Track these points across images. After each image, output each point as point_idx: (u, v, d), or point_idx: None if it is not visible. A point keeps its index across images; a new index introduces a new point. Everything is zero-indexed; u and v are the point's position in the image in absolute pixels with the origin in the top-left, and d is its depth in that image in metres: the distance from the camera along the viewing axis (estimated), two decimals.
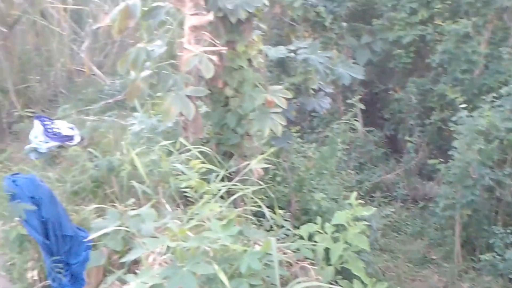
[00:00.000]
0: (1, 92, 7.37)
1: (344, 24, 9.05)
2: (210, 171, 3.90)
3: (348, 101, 8.19)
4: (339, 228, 3.33)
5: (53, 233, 3.20)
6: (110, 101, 7.92)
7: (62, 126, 4.96)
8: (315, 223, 3.41)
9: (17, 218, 3.19)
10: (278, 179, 6.00)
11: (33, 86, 8.31)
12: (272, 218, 3.74)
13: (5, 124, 7.41)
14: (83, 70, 9.17)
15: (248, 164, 4.64)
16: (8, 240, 3.25)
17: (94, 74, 9.01)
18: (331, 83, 6.11)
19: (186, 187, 3.48)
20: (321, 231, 3.33)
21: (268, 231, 3.64)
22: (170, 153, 4.38)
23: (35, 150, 4.78)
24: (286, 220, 4.01)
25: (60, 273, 3.13)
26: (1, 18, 7.41)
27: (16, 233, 3.16)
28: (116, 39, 8.76)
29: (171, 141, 4.51)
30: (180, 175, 3.95)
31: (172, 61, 4.91)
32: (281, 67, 6.29)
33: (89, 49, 9.03)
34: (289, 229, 3.68)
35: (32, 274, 3.21)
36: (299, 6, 8.58)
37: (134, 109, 6.22)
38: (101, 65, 9.63)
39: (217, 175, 3.91)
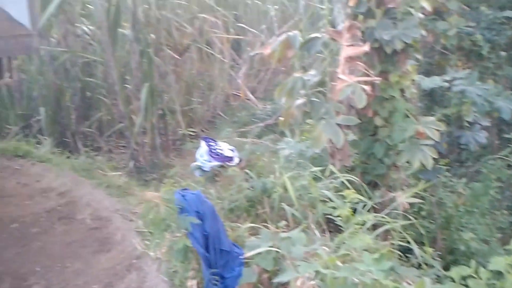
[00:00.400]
0: (169, 112, 8.11)
1: (503, 53, 8.31)
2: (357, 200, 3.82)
3: (504, 135, 7.46)
4: (495, 274, 3.03)
5: (212, 246, 3.39)
6: (261, 124, 8.24)
7: (224, 148, 5.29)
8: (463, 264, 3.14)
9: (183, 230, 3.46)
10: (423, 213, 5.65)
11: (195, 107, 9.00)
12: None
13: (171, 141, 8.14)
14: (239, 94, 9.68)
15: (394, 196, 4.47)
16: (174, 249, 3.53)
17: (248, 99, 9.46)
18: (486, 115, 5.64)
19: (337, 216, 3.46)
20: (474, 275, 3.05)
21: (416, 268, 3.44)
22: (317, 179, 4.40)
23: (199, 168, 5.17)
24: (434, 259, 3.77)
25: (216, 285, 3.30)
26: (174, 46, 8.21)
27: (182, 243, 3.42)
28: (272, 67, 9.13)
29: (319, 167, 4.53)
30: (327, 201, 3.96)
31: (322, 88, 4.96)
32: (432, 97, 5.98)
33: (245, 75, 9.53)
34: (439, 270, 3.44)
35: (192, 283, 3.42)
36: (454, 35, 8.12)
37: (283, 134, 6.39)
38: (255, 90, 10.08)
39: (365, 205, 3.82)
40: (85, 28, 7.83)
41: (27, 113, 7.96)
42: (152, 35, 7.60)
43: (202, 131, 8.69)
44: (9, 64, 4.70)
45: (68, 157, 6.37)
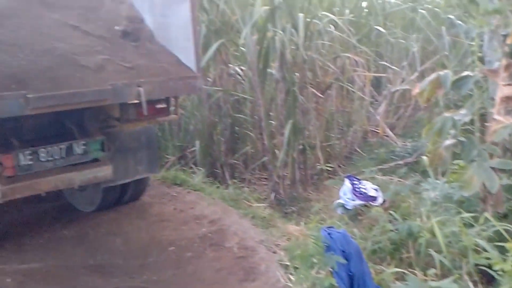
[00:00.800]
0: (309, 148, 8.17)
1: None
2: None
3: None
4: None
5: None
6: (400, 162, 7.88)
7: (368, 187, 5.16)
8: None
9: (329, 268, 3.41)
10: None
11: (333, 143, 8.95)
12: None
13: (309, 176, 8.16)
14: (377, 131, 9.42)
15: None
16: (318, 286, 3.47)
17: (386, 136, 9.15)
18: None
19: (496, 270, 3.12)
20: None
21: None
22: (466, 225, 4.05)
23: (342, 206, 5.09)
24: None
25: None
26: (317, 85, 8.34)
27: (328, 282, 3.36)
28: (419, 104, 8.76)
29: (468, 213, 4.19)
30: (479, 250, 3.61)
31: (472, 128, 4.63)
32: None
33: (384, 111, 9.27)
34: None
35: None
36: None
37: (424, 173, 6.02)
38: (393, 127, 9.73)
39: None
40: (237, 69, 8.31)
41: (183, 145, 8.65)
42: (297, 74, 7.79)
43: (339, 166, 8.57)
44: (175, 102, 5.16)
45: (218, 187, 6.73)
